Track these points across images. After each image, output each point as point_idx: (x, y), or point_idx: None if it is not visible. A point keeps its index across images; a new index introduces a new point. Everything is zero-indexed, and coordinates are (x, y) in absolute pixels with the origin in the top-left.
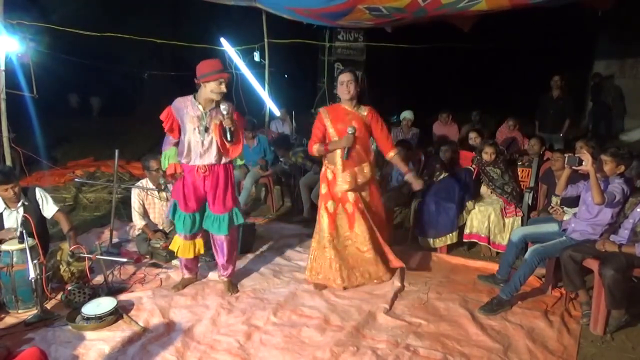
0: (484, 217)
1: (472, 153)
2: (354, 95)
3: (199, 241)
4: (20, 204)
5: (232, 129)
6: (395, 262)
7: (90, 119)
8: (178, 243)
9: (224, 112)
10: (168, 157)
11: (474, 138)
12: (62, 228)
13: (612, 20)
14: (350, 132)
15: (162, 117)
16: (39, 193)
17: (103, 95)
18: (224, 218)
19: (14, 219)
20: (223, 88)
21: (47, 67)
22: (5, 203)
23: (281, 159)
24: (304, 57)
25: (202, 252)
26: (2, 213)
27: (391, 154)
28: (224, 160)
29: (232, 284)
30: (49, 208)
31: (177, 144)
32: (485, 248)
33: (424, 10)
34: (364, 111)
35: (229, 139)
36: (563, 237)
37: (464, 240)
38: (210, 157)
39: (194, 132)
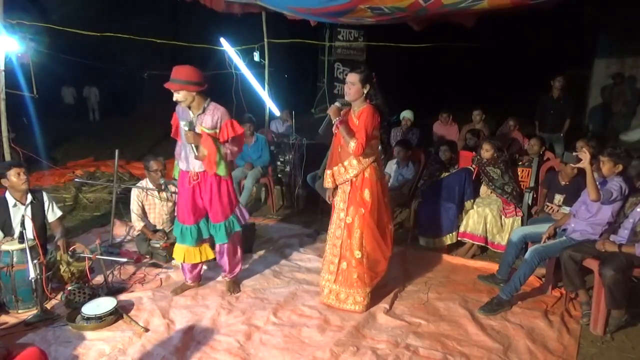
0: (480, 217)
1: (472, 153)
2: (352, 98)
3: (205, 247)
4: (29, 201)
5: (193, 145)
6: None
7: (89, 119)
8: (182, 250)
9: (185, 128)
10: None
11: (470, 139)
12: (55, 234)
13: (612, 20)
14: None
15: (173, 121)
16: (46, 196)
17: (102, 94)
18: (220, 227)
19: (20, 216)
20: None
21: (47, 67)
22: (15, 198)
23: (280, 160)
24: (304, 57)
25: (210, 257)
26: (10, 210)
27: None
28: None
29: (235, 284)
30: (54, 213)
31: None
32: (476, 247)
33: (425, 10)
34: (358, 110)
35: (195, 152)
36: (563, 237)
37: (458, 238)
38: (200, 164)
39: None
